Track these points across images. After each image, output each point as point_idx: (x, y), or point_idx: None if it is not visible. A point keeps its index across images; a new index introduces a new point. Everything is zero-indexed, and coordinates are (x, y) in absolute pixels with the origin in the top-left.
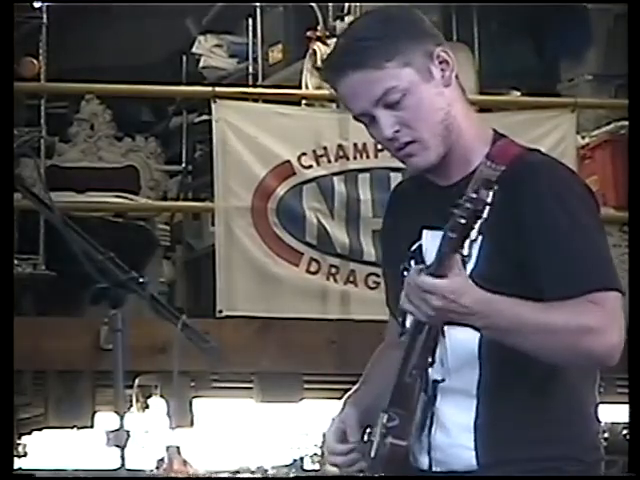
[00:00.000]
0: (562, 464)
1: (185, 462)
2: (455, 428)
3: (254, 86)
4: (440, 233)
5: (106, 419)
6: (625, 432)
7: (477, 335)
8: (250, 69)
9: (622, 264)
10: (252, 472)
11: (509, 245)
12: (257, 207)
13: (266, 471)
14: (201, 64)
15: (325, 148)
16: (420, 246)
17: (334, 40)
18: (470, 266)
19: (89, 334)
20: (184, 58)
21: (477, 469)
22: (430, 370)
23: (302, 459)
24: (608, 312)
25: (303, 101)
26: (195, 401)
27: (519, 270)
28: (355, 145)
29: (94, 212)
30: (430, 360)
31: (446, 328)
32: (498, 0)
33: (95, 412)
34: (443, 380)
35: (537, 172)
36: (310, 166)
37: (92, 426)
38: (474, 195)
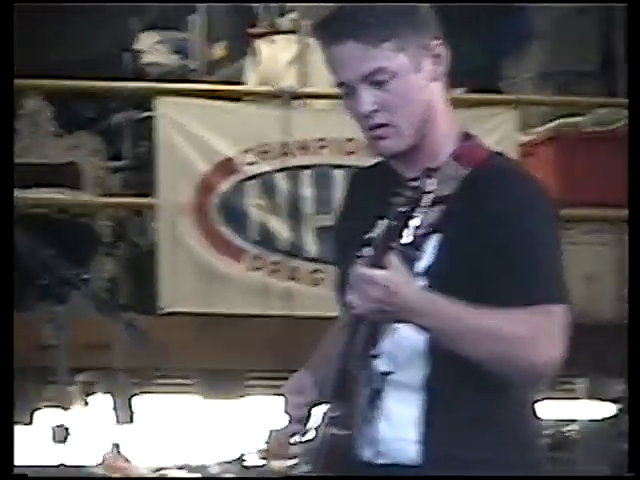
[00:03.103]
0: (503, 461)
1: (126, 459)
2: (400, 421)
3: (197, 82)
4: (394, 223)
5: (48, 416)
6: (567, 428)
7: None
8: (193, 66)
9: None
10: (194, 469)
11: (466, 247)
12: (199, 204)
13: (207, 468)
14: (144, 60)
15: (268, 145)
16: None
17: (277, 37)
18: (425, 263)
19: (32, 331)
20: (127, 54)
21: (420, 463)
22: (377, 362)
23: (244, 455)
24: (550, 325)
25: (246, 97)
26: (137, 398)
27: (472, 273)
28: (298, 142)
29: (37, 209)
30: (375, 352)
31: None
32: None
33: (37, 409)
34: (390, 373)
35: (501, 178)
36: (253, 163)
37: (31, 423)
38: (414, 184)
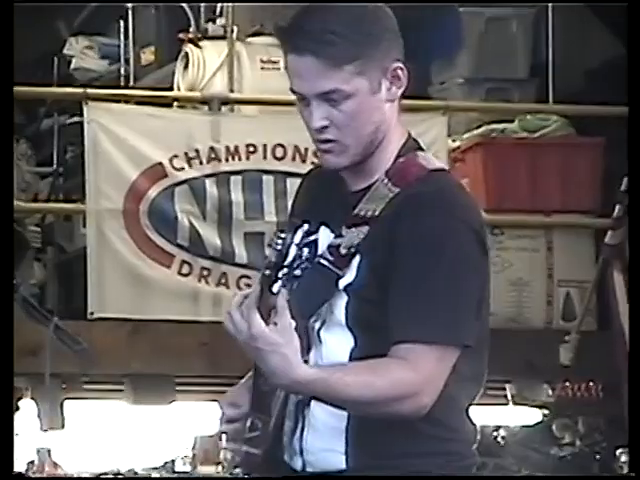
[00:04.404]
0: (431, 469)
1: (56, 464)
2: (327, 431)
3: (126, 88)
4: (331, 236)
5: None
6: (495, 434)
7: (350, 345)
8: (122, 71)
9: (494, 266)
10: (122, 474)
11: (382, 269)
12: (129, 209)
13: (136, 473)
14: (72, 65)
15: (197, 150)
16: (316, 240)
17: (206, 42)
18: (347, 281)
19: None
20: (55, 59)
21: (347, 473)
22: None
23: (173, 461)
24: (422, 373)
25: (175, 103)
26: (66, 403)
27: (385, 296)
28: (227, 147)
29: None
30: (305, 360)
31: (322, 333)
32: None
33: None
34: None
35: (424, 207)
36: (182, 168)
37: None
38: (282, 235)
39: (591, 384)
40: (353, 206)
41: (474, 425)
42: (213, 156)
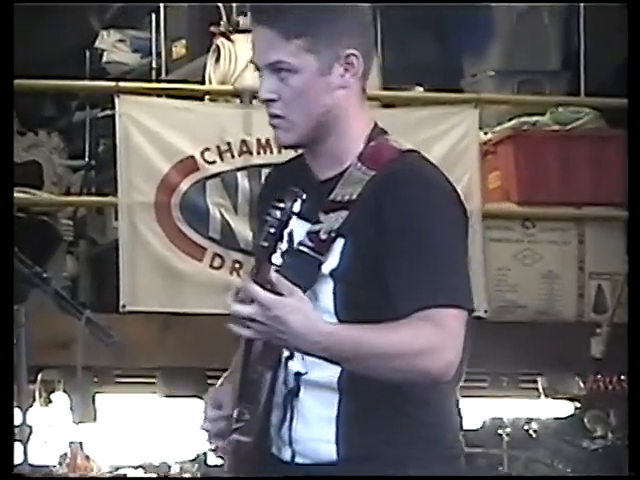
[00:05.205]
0: (420, 462)
1: (88, 457)
2: (316, 421)
3: (157, 81)
4: (306, 225)
5: None
6: (527, 427)
7: None
8: (153, 64)
9: (524, 259)
10: (155, 467)
11: (371, 251)
12: (160, 202)
13: (169, 467)
14: (104, 59)
15: (229, 143)
16: (292, 231)
17: (237, 36)
18: (331, 266)
19: None
20: (87, 53)
21: (337, 463)
22: (291, 363)
23: (205, 454)
24: (445, 330)
25: (206, 96)
26: (98, 396)
27: (377, 276)
28: (259, 140)
29: None
30: (290, 352)
31: None
32: None
33: None
34: (305, 373)
35: (405, 181)
36: (214, 161)
37: None
38: (281, 205)
39: (623, 377)
40: (327, 193)
41: (461, 417)
42: (245, 149)
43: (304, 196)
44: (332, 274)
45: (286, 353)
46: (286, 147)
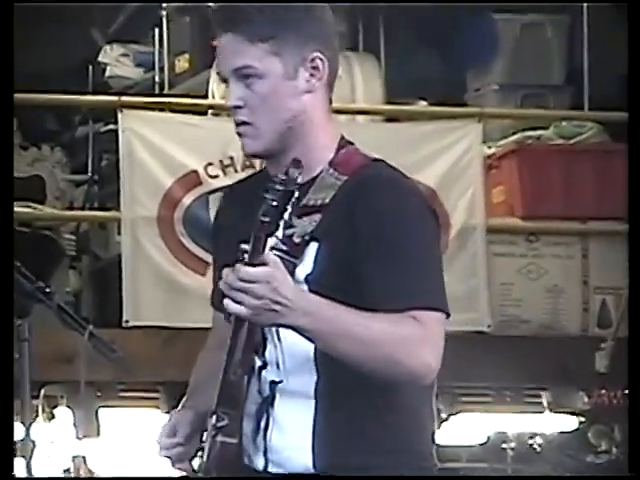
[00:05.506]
0: (395, 467)
1: (91, 472)
2: (292, 430)
3: (160, 95)
4: (279, 230)
5: None
6: (531, 441)
7: None
8: (156, 78)
9: (529, 274)
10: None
11: (345, 255)
12: (163, 217)
13: None
14: (107, 73)
15: (232, 158)
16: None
17: None
18: (306, 271)
19: None
20: (90, 67)
21: (312, 472)
22: (265, 371)
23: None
24: (426, 329)
25: (210, 111)
26: (101, 411)
27: (352, 280)
28: None
29: None
30: (262, 361)
31: (281, 330)
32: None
33: None
34: (280, 382)
35: (378, 186)
36: (217, 176)
37: None
38: (284, 177)
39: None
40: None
41: (433, 429)
42: (248, 164)
43: (302, 168)
44: (307, 279)
45: (259, 363)
46: (254, 156)
